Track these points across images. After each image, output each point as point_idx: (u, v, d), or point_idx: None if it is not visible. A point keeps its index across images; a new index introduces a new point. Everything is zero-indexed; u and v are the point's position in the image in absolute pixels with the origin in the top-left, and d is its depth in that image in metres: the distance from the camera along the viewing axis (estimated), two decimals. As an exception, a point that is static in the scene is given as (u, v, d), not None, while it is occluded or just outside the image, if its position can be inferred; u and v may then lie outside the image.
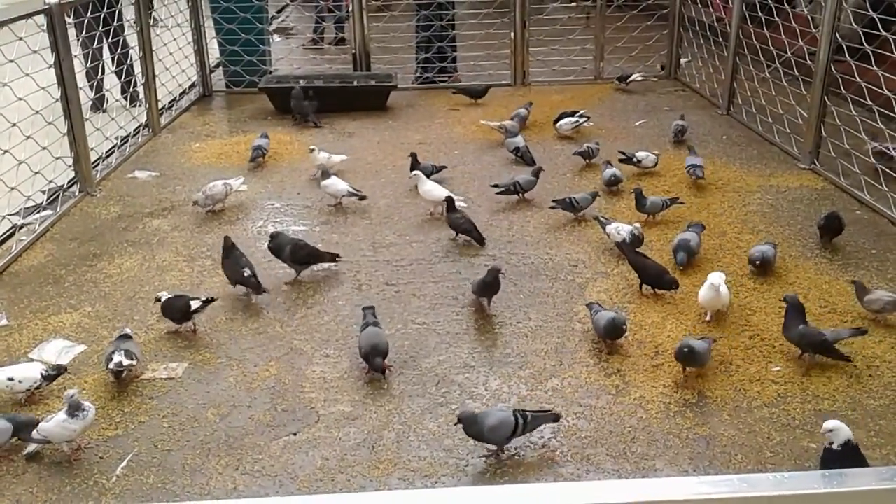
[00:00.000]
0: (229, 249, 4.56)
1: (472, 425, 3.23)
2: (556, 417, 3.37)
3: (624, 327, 3.90)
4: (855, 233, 5.16)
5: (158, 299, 4.20)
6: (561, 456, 3.28)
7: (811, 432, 3.38)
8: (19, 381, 3.59)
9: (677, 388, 3.67)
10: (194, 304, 4.13)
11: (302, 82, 8.29)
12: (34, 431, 3.29)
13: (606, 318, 3.91)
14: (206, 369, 3.88)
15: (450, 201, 5.24)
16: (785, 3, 7.35)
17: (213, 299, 4.21)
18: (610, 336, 3.93)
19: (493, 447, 3.29)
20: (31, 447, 3.36)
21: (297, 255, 4.65)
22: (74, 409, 3.27)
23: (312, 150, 6.20)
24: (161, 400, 3.67)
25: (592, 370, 3.83)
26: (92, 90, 7.49)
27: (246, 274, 4.42)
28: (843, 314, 4.22)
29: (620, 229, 4.86)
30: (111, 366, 3.68)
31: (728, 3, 7.95)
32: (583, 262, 4.90)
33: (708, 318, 4.19)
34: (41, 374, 3.62)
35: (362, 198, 5.72)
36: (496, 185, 5.81)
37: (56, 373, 3.68)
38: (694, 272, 4.65)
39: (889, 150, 5.73)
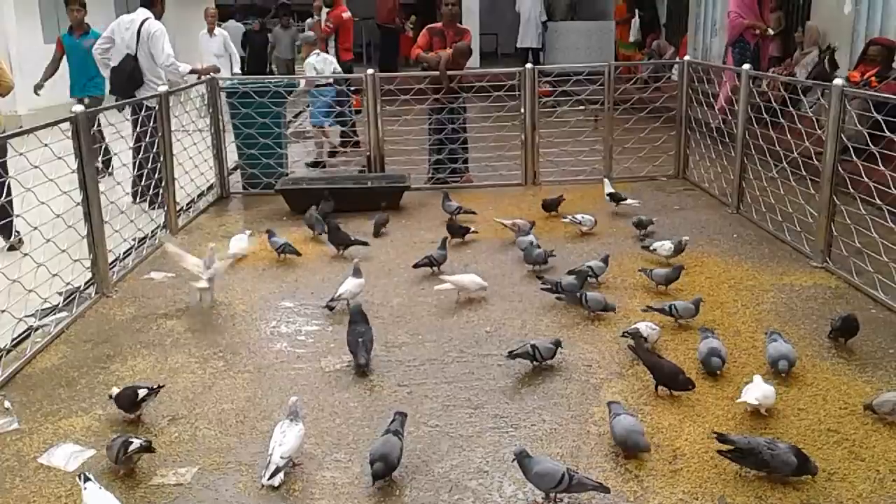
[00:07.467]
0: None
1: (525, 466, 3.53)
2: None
3: (640, 446, 3.84)
4: (871, 332, 5.10)
5: (112, 396, 4.28)
6: (578, 567, 3.17)
7: (838, 542, 3.27)
8: None
9: (697, 495, 3.57)
10: (141, 393, 4.22)
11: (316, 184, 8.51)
12: (278, 459, 3.61)
13: (621, 429, 3.86)
14: (216, 474, 3.81)
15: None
16: (789, 105, 7.53)
17: (160, 387, 4.35)
18: (624, 449, 3.87)
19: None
20: (279, 476, 3.63)
21: None
22: (295, 416, 3.73)
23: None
24: (169, 507, 3.60)
25: (609, 475, 3.73)
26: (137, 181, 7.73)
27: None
28: (863, 416, 4.13)
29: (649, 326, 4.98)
30: (134, 448, 3.72)
31: (733, 106, 8.14)
32: (597, 362, 4.86)
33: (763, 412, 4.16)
34: None
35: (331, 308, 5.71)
36: (542, 280, 5.87)
37: None
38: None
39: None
